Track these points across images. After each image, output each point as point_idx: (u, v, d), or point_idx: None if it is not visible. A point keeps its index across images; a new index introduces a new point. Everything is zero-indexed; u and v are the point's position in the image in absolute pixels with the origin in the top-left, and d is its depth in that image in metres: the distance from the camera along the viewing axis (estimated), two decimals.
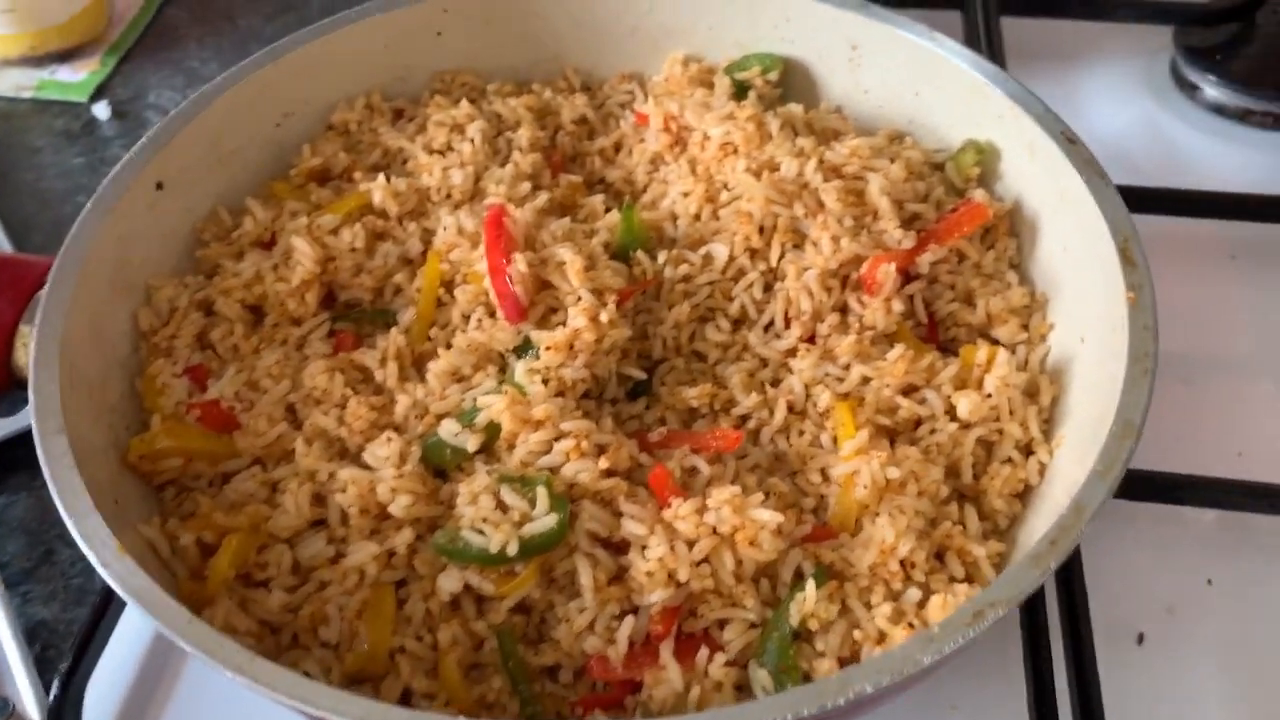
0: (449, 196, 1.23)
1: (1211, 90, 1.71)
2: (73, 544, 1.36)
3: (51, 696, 1.03)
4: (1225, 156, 1.68)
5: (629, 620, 0.91)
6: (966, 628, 0.77)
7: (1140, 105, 1.76)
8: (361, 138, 1.31)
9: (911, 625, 0.89)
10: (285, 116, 1.28)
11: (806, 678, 0.89)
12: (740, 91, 1.33)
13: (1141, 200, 1.27)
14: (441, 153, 1.27)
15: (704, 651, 0.91)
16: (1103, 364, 0.99)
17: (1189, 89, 1.73)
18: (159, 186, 1.15)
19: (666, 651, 0.90)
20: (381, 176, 1.21)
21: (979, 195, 1.16)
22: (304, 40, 1.26)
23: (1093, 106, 1.72)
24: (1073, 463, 0.97)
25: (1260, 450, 1.24)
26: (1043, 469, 1.03)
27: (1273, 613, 1.11)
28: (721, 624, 0.92)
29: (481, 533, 0.93)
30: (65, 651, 1.17)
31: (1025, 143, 1.16)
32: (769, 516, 0.92)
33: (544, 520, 0.92)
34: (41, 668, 1.26)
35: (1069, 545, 0.81)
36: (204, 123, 1.18)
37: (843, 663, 0.89)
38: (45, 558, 1.38)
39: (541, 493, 0.93)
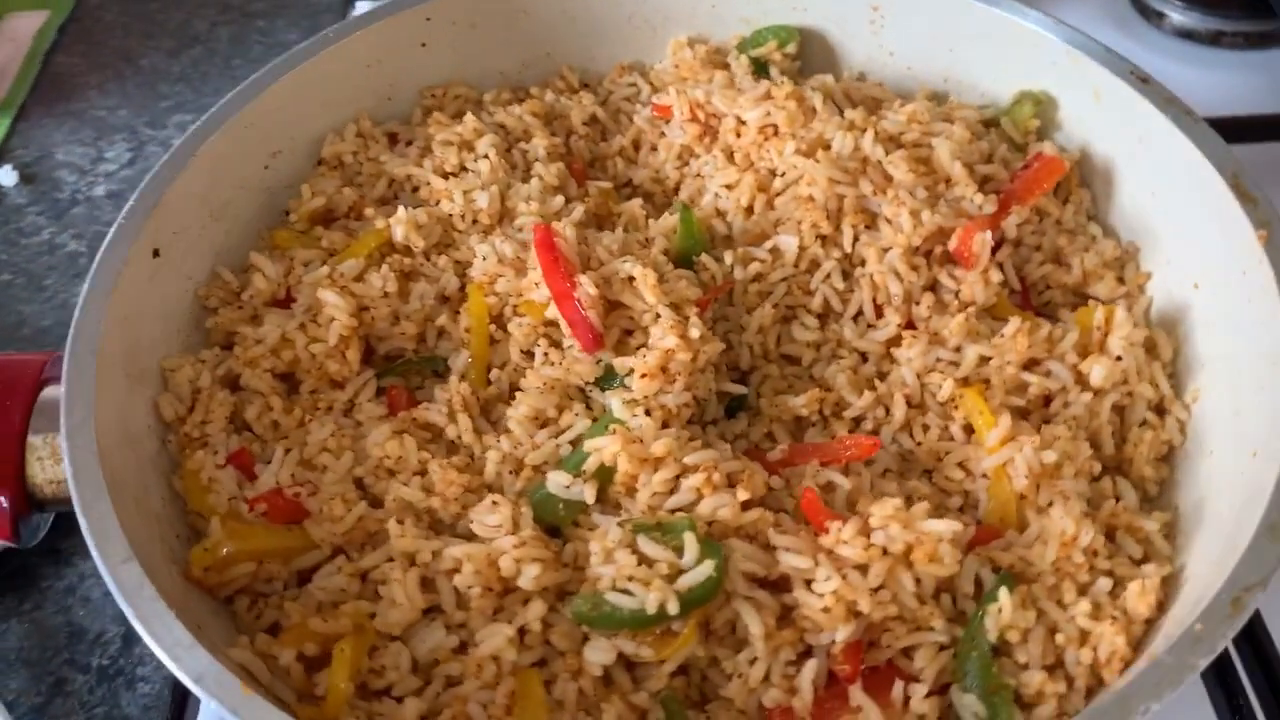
0: (475, 222, 1.11)
1: (1178, 16, 1.69)
2: (86, 669, 1.23)
3: None
4: (1202, 82, 1.66)
5: (810, 664, 0.82)
6: (1230, 619, 0.70)
7: (1105, 38, 1.73)
8: (360, 169, 1.18)
9: (1114, 619, 0.82)
10: (273, 156, 1.14)
11: (1017, 696, 0.81)
12: (760, 69, 1.24)
13: None
14: (455, 175, 1.14)
15: (898, 685, 0.82)
16: (1233, 307, 0.94)
17: (1155, 17, 1.71)
18: (156, 254, 1.00)
19: (857, 691, 0.81)
20: (401, 209, 1.08)
21: (1048, 146, 1.10)
22: (283, 70, 1.12)
23: None
24: (1227, 412, 0.92)
25: None
26: (1183, 426, 0.97)
27: None
28: (907, 651, 0.84)
29: (628, 592, 0.82)
30: None
31: (1089, 88, 1.10)
32: (944, 527, 0.83)
33: (700, 569, 0.82)
34: None
35: None
36: (191, 175, 1.04)
37: (1050, 672, 0.81)
38: (57, 689, 1.21)
39: (689, 539, 0.83)
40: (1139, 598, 0.82)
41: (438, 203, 1.12)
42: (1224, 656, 0.92)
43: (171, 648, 0.71)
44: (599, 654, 0.83)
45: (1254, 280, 0.91)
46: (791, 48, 1.25)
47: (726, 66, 1.24)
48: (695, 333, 0.96)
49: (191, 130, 1.06)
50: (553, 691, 0.83)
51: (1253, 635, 0.93)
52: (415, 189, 1.16)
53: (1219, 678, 0.92)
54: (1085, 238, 1.09)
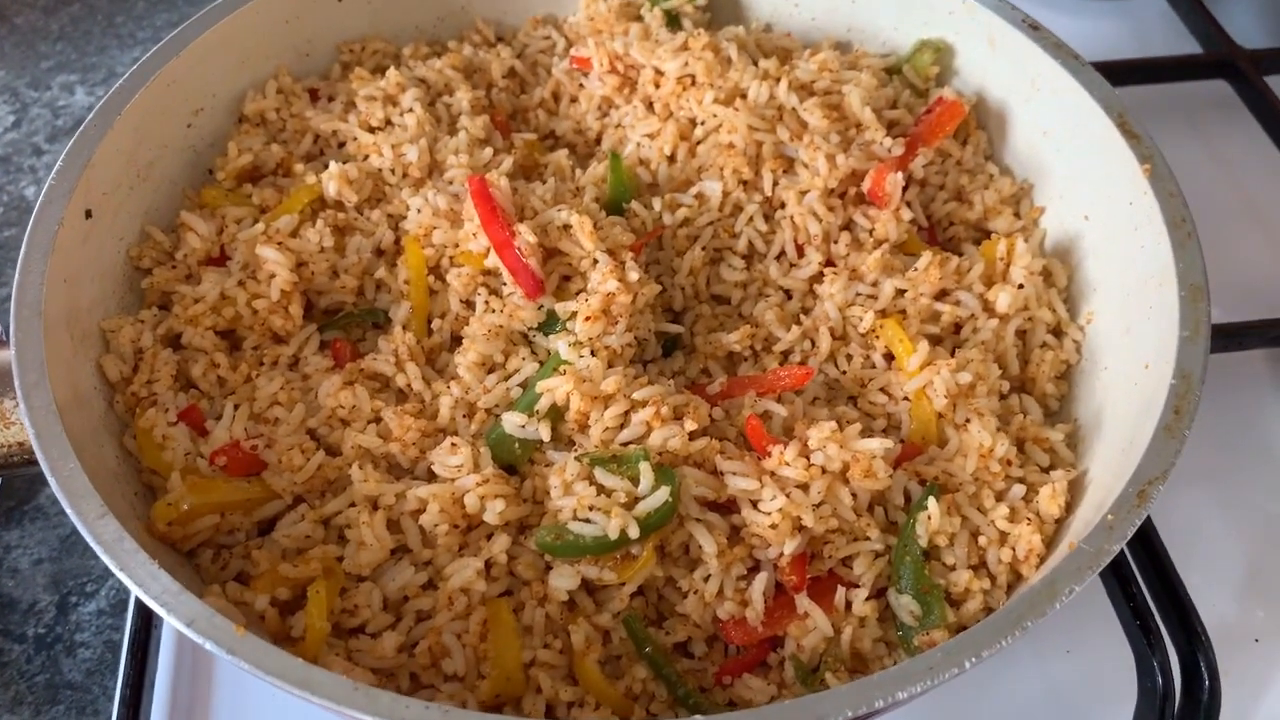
0: (406, 175, 1.13)
1: None
2: (21, 638, 1.22)
3: None
4: (1075, 32, 1.76)
5: (760, 577, 0.88)
6: (1137, 509, 0.79)
7: None
8: (284, 126, 1.18)
9: (1029, 520, 0.91)
10: (195, 114, 1.13)
11: (947, 594, 0.89)
12: (672, 22, 1.28)
13: None
14: (381, 129, 1.16)
15: (840, 591, 0.89)
16: (1121, 235, 1.03)
17: None
18: (88, 214, 0.99)
19: (804, 600, 0.88)
20: (332, 164, 1.09)
21: (948, 93, 1.17)
22: (205, 26, 1.11)
23: None
24: (1118, 331, 1.01)
25: None
26: (1078, 346, 1.06)
27: None
28: (847, 560, 0.91)
29: (589, 521, 0.87)
30: None
31: (984, 36, 1.17)
32: (877, 444, 0.90)
33: (656, 495, 0.87)
34: None
35: (1192, 411, 0.84)
36: (117, 135, 1.03)
37: (975, 571, 0.90)
38: None
39: (644, 468, 0.88)
40: (1050, 500, 0.91)
41: (366, 158, 1.14)
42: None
43: (160, 595, 0.73)
44: (564, 580, 0.87)
45: (1139, 209, 1.00)
46: (701, 0, 1.29)
47: (640, 19, 1.27)
48: (634, 275, 1.00)
49: (114, 88, 1.04)
50: (521, 618, 0.88)
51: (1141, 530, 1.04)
52: (342, 144, 1.17)
53: (1113, 568, 1.01)
54: (984, 176, 1.17)
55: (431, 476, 0.92)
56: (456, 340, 1.04)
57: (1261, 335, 1.20)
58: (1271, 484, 1.19)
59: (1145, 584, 1.02)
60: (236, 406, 0.98)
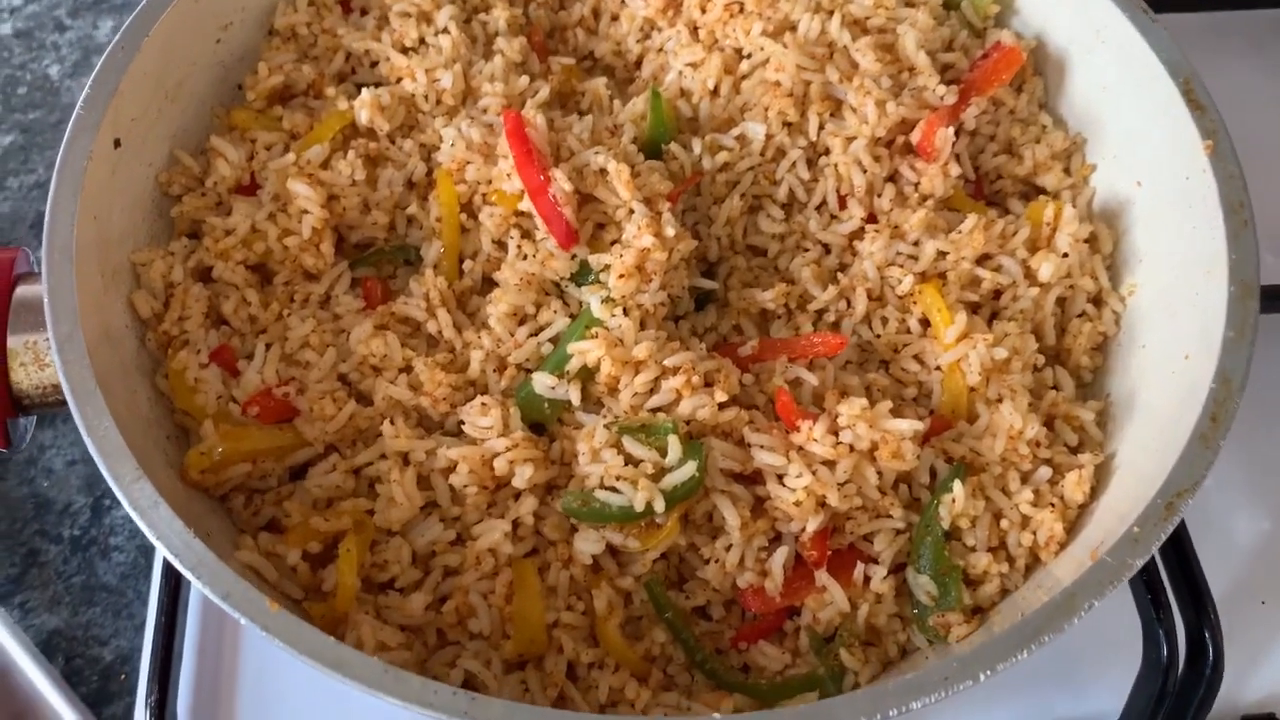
0: (440, 102, 1.09)
1: None
2: (58, 539, 1.25)
3: None
4: None
5: (781, 550, 0.90)
6: (1163, 522, 0.79)
7: None
8: (316, 41, 1.14)
9: (1053, 505, 0.91)
10: (224, 30, 1.10)
11: (965, 575, 0.90)
12: None
13: None
14: (415, 50, 1.12)
15: (859, 567, 0.90)
16: (1173, 210, 1.00)
17: None
18: (117, 144, 0.97)
19: (824, 575, 0.90)
20: (365, 92, 1.06)
21: (1006, 37, 1.12)
22: None
23: None
24: (1160, 310, 0.99)
25: None
26: (1117, 318, 1.04)
27: None
28: (868, 536, 0.92)
29: (615, 490, 0.88)
30: (112, 666, 1.09)
31: None
32: (906, 426, 0.90)
33: (683, 470, 0.88)
34: (73, 681, 1.17)
35: (1229, 419, 0.83)
36: (145, 57, 1.00)
37: (994, 553, 0.91)
38: (30, 560, 1.24)
39: (673, 441, 0.89)
40: (1075, 486, 0.91)
41: (399, 80, 1.10)
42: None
43: (195, 566, 0.75)
44: (589, 544, 0.89)
45: (1195, 187, 0.96)
46: None
47: None
48: (670, 231, 0.98)
49: (140, 9, 1.01)
50: (546, 579, 0.90)
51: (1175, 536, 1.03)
52: (374, 64, 1.13)
53: (1143, 574, 1.02)
54: (1036, 128, 1.13)
55: (461, 430, 0.93)
56: (489, 282, 1.03)
57: None
58: None
59: (1159, 553, 1.02)
60: (269, 346, 0.98)
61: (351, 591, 0.85)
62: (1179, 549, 1.02)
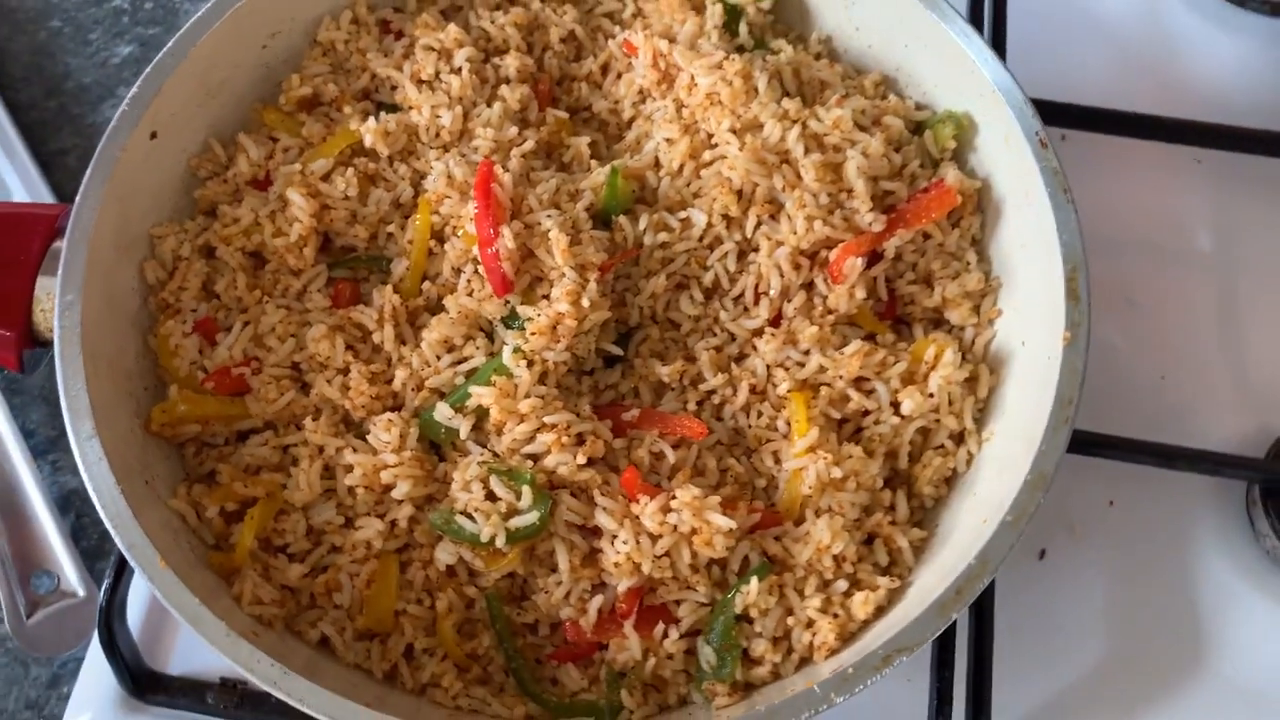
0: (438, 136, 1.26)
1: None
2: None
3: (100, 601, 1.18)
4: (1219, 55, 1.67)
5: (598, 598, 1.07)
6: (875, 670, 0.93)
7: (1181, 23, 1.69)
8: (348, 59, 1.31)
9: (836, 615, 1.06)
10: (272, 36, 1.27)
11: (745, 654, 1.06)
12: (732, 17, 1.32)
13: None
14: (430, 84, 1.27)
15: (660, 626, 1.07)
16: (1034, 382, 1.10)
17: None
18: (153, 136, 1.17)
19: (629, 626, 1.07)
20: (371, 119, 1.23)
21: (950, 176, 1.21)
22: None
23: None
24: (993, 466, 1.11)
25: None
26: (970, 459, 1.16)
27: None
28: (676, 601, 1.08)
29: (473, 519, 1.07)
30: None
31: (1002, 130, 1.19)
32: (724, 522, 1.05)
33: (528, 515, 1.06)
34: (77, 537, 1.43)
35: (973, 594, 0.96)
36: (192, 63, 1.19)
37: (776, 643, 1.07)
38: None
39: (526, 490, 1.06)
40: (861, 605, 1.06)
41: (408, 109, 1.26)
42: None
43: (114, 518, 0.98)
44: (445, 554, 1.08)
45: (1049, 370, 1.06)
46: (766, 3, 1.33)
47: (703, 10, 1.32)
48: (587, 301, 1.13)
49: (194, 20, 1.19)
50: (406, 573, 1.10)
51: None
52: (393, 88, 1.29)
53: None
54: (959, 264, 1.22)
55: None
56: (439, 303, 1.21)
57: None
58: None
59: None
60: (245, 324, 1.18)
61: (246, 550, 1.07)
62: (980, 663, 1.16)
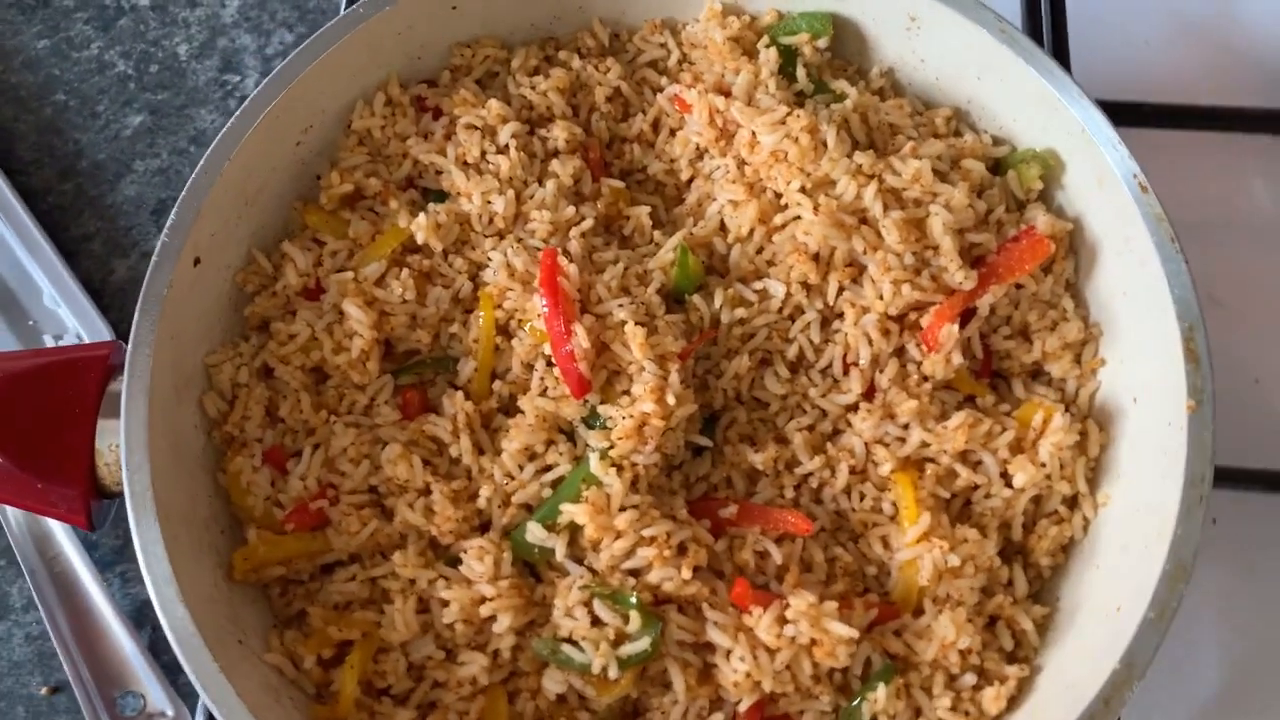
0: (491, 223, 1.19)
1: None
2: None
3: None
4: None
5: (718, 714, 1.03)
6: None
7: None
8: (387, 145, 1.23)
9: (968, 714, 1.02)
10: (304, 133, 1.20)
11: None
12: (788, 59, 1.24)
13: None
14: (476, 168, 1.20)
15: None
16: (1153, 448, 1.04)
17: None
18: (196, 263, 1.11)
19: None
20: (421, 215, 1.16)
21: (1041, 223, 1.14)
22: (314, 55, 1.15)
23: None
24: (1119, 536, 1.06)
25: None
26: (1087, 524, 1.10)
27: None
28: (800, 711, 1.04)
29: (580, 647, 1.02)
30: None
31: (1094, 169, 1.11)
32: (845, 631, 1.01)
33: (640, 642, 1.01)
34: (156, 651, 1.40)
35: (1122, 703, 0.91)
36: (227, 178, 1.12)
37: None
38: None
39: (634, 614, 1.01)
40: (993, 700, 1.01)
41: (458, 196, 1.19)
42: None
43: (218, 701, 0.93)
44: (553, 684, 1.04)
45: (1173, 438, 1.00)
46: (823, 41, 1.24)
47: (756, 54, 1.24)
48: (671, 397, 1.07)
49: (222, 134, 1.11)
50: (515, 704, 1.06)
51: None
52: (438, 172, 1.22)
53: None
54: (1056, 312, 1.15)
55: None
56: (514, 401, 1.15)
57: None
58: None
59: None
60: (316, 448, 1.13)
61: (350, 700, 1.03)
62: None
